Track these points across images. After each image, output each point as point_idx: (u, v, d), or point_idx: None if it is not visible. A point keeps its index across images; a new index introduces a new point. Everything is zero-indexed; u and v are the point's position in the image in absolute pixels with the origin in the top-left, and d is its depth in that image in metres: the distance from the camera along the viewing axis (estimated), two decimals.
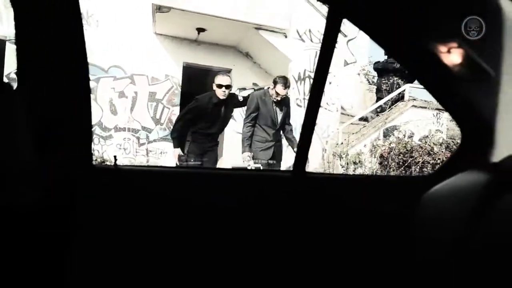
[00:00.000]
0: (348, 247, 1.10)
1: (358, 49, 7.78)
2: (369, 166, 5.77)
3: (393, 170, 5.42)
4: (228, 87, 3.45)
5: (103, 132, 6.20)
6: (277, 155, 3.72)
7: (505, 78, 0.84)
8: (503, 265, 0.67)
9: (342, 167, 5.82)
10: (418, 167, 5.33)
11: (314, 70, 1.07)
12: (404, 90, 6.72)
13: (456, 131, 5.60)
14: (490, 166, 0.89)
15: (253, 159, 3.57)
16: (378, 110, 7.03)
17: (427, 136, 6.00)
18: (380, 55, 9.03)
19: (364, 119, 7.11)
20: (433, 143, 5.61)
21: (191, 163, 3.49)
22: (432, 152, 5.42)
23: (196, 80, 6.78)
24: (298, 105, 6.19)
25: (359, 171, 5.76)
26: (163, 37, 6.40)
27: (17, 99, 0.77)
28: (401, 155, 5.46)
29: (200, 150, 3.53)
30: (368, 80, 8.32)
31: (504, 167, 0.82)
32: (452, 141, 5.70)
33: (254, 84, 6.52)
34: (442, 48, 0.88)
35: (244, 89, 6.33)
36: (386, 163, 5.55)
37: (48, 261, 0.88)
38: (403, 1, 0.91)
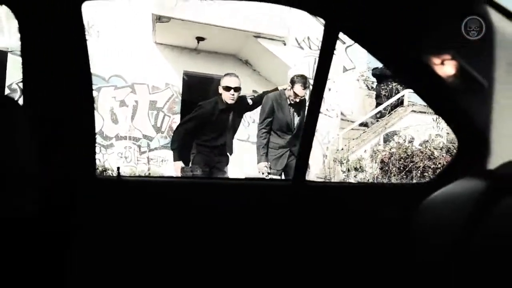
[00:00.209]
0: (349, 254, 1.11)
1: (357, 55, 7.83)
2: (370, 171, 5.77)
3: (394, 175, 5.42)
4: (237, 89, 2.89)
5: (104, 141, 6.23)
6: (291, 164, 3.25)
7: (497, 87, 0.86)
8: (500, 267, 0.68)
9: (343, 173, 5.82)
10: (419, 171, 5.33)
11: (313, 77, 1.09)
12: (403, 96, 6.76)
13: None
14: (486, 173, 0.91)
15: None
16: (378, 115, 7.06)
17: (427, 141, 6.01)
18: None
19: (364, 124, 7.14)
20: (434, 148, 5.62)
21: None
22: (432, 157, 5.43)
23: (196, 88, 6.83)
24: None
25: (360, 176, 5.76)
26: (163, 46, 6.46)
27: (20, 109, 0.79)
28: (402, 160, 5.47)
29: (205, 164, 2.97)
30: (367, 85, 8.36)
31: (499, 174, 0.84)
32: (453, 145, 5.71)
33: (254, 91, 6.57)
34: (437, 60, 0.90)
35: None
36: (387, 168, 5.55)
37: (48, 266, 0.89)
38: (396, 14, 0.94)
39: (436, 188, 0.97)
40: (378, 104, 7.25)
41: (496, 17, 0.83)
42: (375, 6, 0.95)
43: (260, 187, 1.19)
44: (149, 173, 6.25)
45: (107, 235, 0.99)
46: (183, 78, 6.66)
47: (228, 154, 3.13)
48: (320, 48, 1.05)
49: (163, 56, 6.47)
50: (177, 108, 6.63)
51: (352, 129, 6.69)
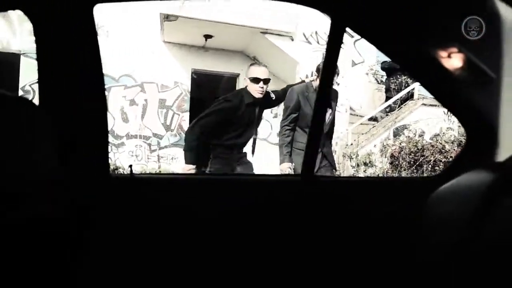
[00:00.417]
0: (358, 249, 1.12)
1: (366, 49, 7.74)
2: (380, 166, 5.73)
3: (404, 170, 5.37)
4: (266, 81, 2.49)
5: (115, 140, 6.32)
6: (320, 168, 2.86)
7: (505, 80, 0.86)
8: (509, 262, 0.69)
9: (352, 168, 5.79)
10: (430, 165, 5.27)
11: (320, 74, 1.10)
12: (413, 89, 6.67)
13: None
14: (495, 165, 0.91)
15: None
16: (388, 109, 6.98)
17: (438, 134, 5.93)
18: None
19: (373, 119, 7.07)
20: (445, 141, 5.55)
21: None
22: (443, 150, 5.36)
23: (204, 86, 6.87)
24: None
25: (369, 171, 5.73)
26: (171, 45, 6.50)
27: (38, 110, 0.81)
28: (412, 154, 5.41)
29: (227, 167, 2.56)
30: (376, 79, 8.26)
31: (508, 166, 0.84)
32: (464, 138, 5.61)
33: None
34: (444, 53, 0.90)
35: None
36: (397, 162, 5.50)
37: (64, 265, 0.91)
38: (402, 8, 0.94)
39: (444, 181, 0.98)
40: (387, 98, 7.17)
41: (504, 9, 0.83)
42: (380, 1, 0.95)
43: (269, 183, 1.21)
44: (160, 171, 6.32)
45: (122, 233, 1.01)
46: (192, 76, 6.70)
47: (249, 160, 2.75)
48: (326, 44, 1.05)
49: (171, 54, 6.52)
50: (186, 106, 6.67)
51: (361, 124, 6.63)
